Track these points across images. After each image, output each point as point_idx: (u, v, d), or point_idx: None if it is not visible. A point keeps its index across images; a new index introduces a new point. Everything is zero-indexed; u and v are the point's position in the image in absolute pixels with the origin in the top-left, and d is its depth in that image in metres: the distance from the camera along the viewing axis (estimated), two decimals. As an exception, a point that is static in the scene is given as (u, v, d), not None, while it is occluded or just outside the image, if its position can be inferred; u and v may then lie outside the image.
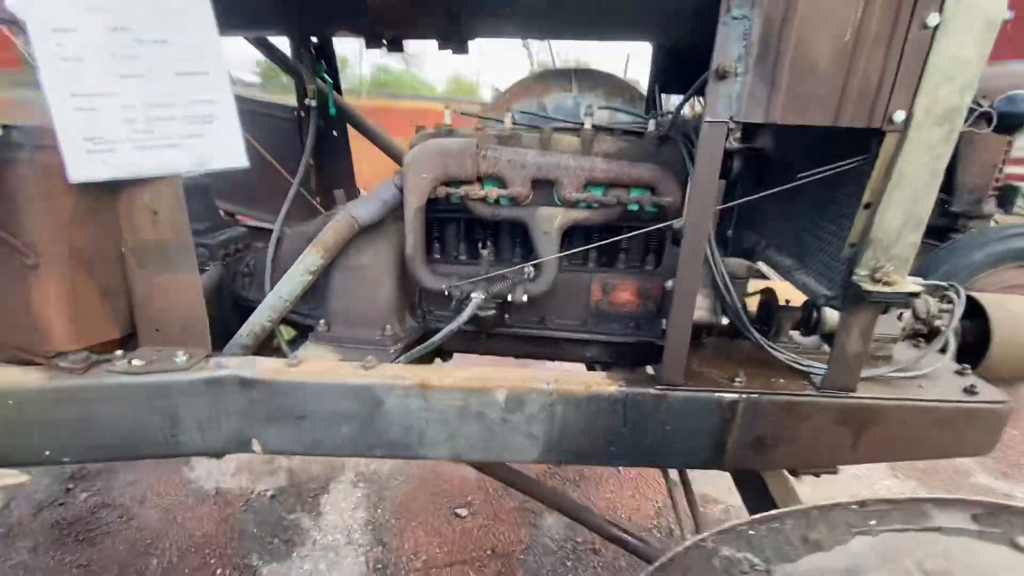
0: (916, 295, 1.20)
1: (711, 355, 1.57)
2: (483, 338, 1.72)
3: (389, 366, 1.45)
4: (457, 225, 1.72)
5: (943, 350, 1.52)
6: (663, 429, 1.41)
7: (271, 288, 1.73)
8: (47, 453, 1.39)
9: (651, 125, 1.53)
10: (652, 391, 1.36)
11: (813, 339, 1.65)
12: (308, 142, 1.92)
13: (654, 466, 1.67)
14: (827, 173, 1.23)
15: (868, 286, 1.19)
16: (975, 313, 1.70)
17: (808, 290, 1.48)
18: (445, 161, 1.47)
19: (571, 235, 1.62)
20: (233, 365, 1.41)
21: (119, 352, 1.39)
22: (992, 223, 4.32)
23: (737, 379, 1.38)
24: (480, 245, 1.56)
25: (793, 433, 1.40)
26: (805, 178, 1.26)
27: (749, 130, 1.87)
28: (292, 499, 2.51)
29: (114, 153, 1.26)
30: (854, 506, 0.93)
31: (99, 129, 1.24)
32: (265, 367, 1.41)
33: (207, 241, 1.88)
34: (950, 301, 1.53)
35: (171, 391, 1.37)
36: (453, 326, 1.44)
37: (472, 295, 1.47)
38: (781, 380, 1.42)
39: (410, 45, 1.82)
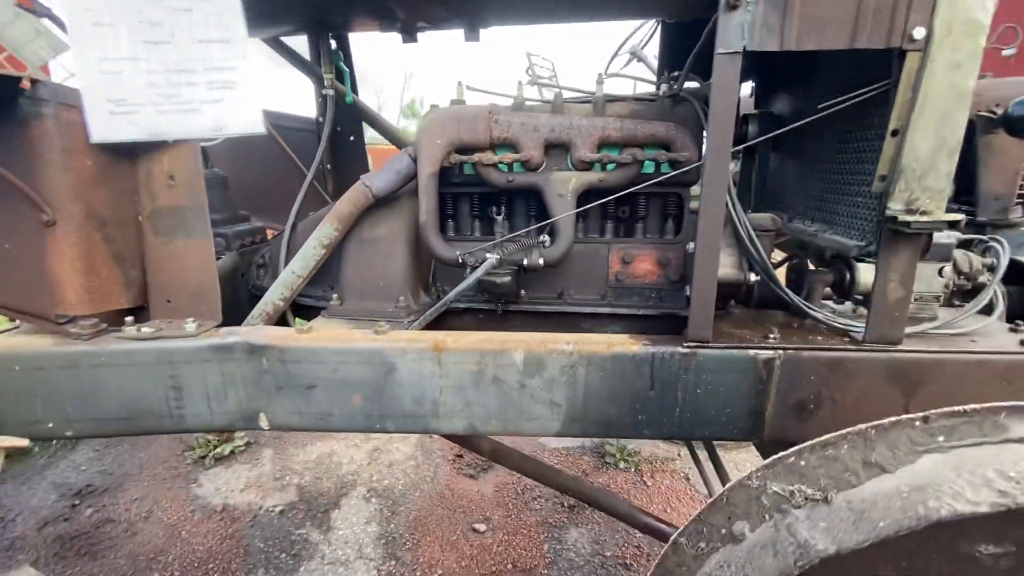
0: (956, 224, 1.12)
1: (741, 320, 1.49)
2: (498, 315, 1.66)
3: (402, 331, 1.40)
4: (471, 200, 1.70)
5: (989, 311, 1.42)
6: (694, 393, 1.31)
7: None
8: (50, 425, 1.34)
9: (663, 88, 1.53)
10: (680, 349, 1.28)
11: (848, 306, 1.56)
12: (325, 131, 1.96)
13: (686, 438, 1.54)
14: (852, 101, 1.20)
15: (904, 217, 1.12)
16: (1018, 278, 1.60)
17: (838, 246, 1.41)
18: (458, 127, 1.47)
19: (588, 203, 1.59)
20: (242, 332, 1.37)
21: (129, 319, 1.36)
22: (1022, 230, 4.20)
23: (771, 336, 1.29)
24: (495, 212, 1.53)
25: (838, 395, 1.29)
26: (830, 107, 1.22)
27: (764, 93, 1.87)
28: (301, 514, 2.38)
29: (136, 115, 1.29)
30: (917, 422, 0.83)
31: (122, 92, 1.27)
32: (275, 334, 1.37)
33: (224, 231, 1.90)
34: (994, 256, 1.44)
35: (178, 357, 1.33)
36: (463, 284, 1.40)
37: (486, 256, 1.42)
38: (819, 338, 1.33)
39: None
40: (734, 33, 1.11)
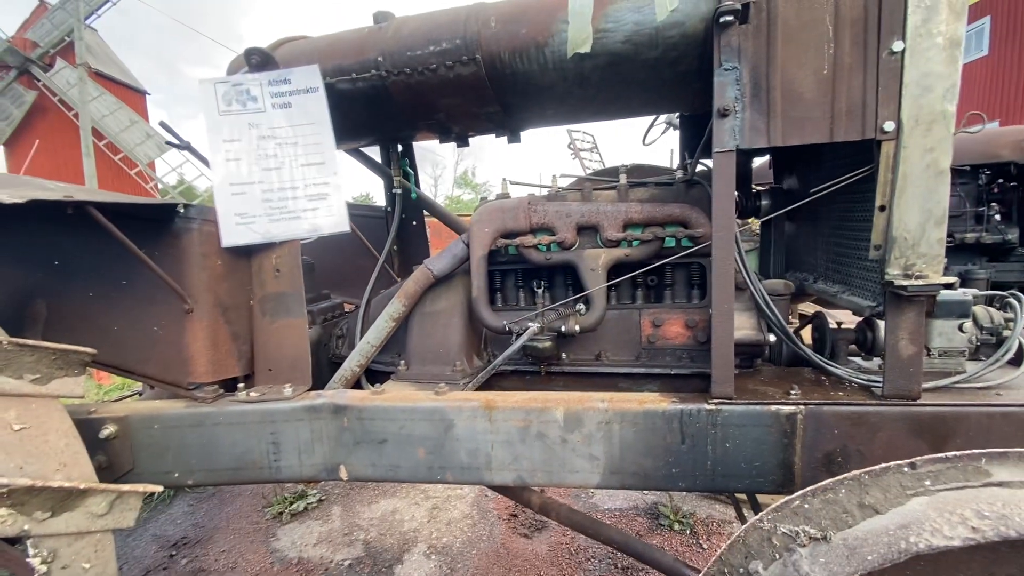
0: (950, 286, 1.23)
1: (765, 378, 1.60)
2: (542, 376, 1.85)
3: (459, 392, 1.62)
4: (515, 276, 1.96)
5: (1018, 362, 1.46)
6: (723, 447, 1.42)
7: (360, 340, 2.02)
8: (176, 475, 1.64)
9: (678, 175, 1.75)
10: (706, 405, 1.41)
11: (875, 363, 1.63)
12: (394, 222, 2.32)
13: (721, 490, 1.61)
14: (839, 185, 1.37)
15: (901, 281, 1.25)
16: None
17: (855, 307, 1.52)
18: (503, 216, 1.76)
19: (617, 275, 1.80)
20: (328, 394, 1.64)
21: (240, 386, 1.68)
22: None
23: (792, 392, 1.40)
24: (536, 285, 1.77)
25: (865, 448, 1.36)
26: (820, 191, 1.40)
27: (777, 171, 2.05)
28: (368, 568, 2.55)
29: (254, 224, 1.66)
30: (906, 468, 0.94)
31: (245, 207, 1.66)
32: (354, 395, 1.63)
33: (311, 308, 2.25)
34: (1012, 309, 1.50)
35: (277, 417, 1.61)
36: (510, 350, 1.62)
37: (528, 325, 1.65)
38: (841, 394, 1.42)
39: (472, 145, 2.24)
40: (727, 134, 1.33)
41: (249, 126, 1.66)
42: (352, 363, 1.86)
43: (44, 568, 1.27)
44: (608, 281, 1.71)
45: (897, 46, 1.20)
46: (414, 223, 2.72)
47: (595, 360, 1.83)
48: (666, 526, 2.77)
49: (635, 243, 1.72)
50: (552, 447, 1.50)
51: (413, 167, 2.38)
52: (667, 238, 1.68)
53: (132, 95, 21.34)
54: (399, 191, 2.29)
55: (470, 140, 2.19)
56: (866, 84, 1.24)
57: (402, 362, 1.86)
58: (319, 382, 1.84)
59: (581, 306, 1.72)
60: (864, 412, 1.34)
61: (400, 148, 2.31)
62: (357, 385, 1.92)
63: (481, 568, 2.54)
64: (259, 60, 1.67)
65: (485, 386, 1.80)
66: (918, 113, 1.22)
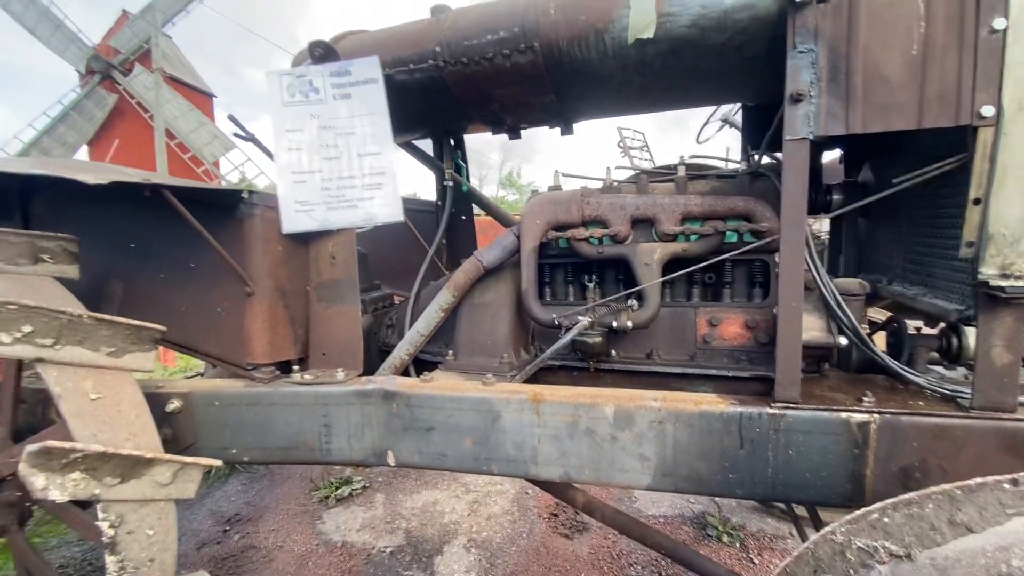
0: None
1: (834, 384, 1.50)
2: (590, 372, 1.81)
3: (507, 384, 1.60)
4: (564, 269, 1.92)
5: None
6: (785, 454, 1.34)
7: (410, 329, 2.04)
8: (233, 451, 1.71)
9: (741, 167, 1.67)
10: (768, 409, 1.34)
11: (960, 372, 1.50)
12: (444, 215, 2.34)
13: (781, 500, 1.51)
14: (926, 176, 1.26)
15: (998, 282, 1.14)
16: None
17: (937, 310, 1.40)
18: (555, 209, 1.73)
19: (673, 271, 1.73)
20: (379, 380, 1.67)
21: (296, 368, 1.72)
22: None
23: (865, 399, 1.30)
24: (586, 279, 1.73)
25: (948, 463, 1.25)
26: (904, 183, 1.29)
27: (850, 164, 1.92)
28: (409, 557, 2.57)
29: (313, 212, 1.71)
30: (1006, 485, 0.84)
31: (305, 195, 1.70)
32: (404, 382, 1.65)
33: (362, 297, 2.29)
34: None
35: (330, 400, 1.64)
36: (559, 343, 1.58)
37: (579, 319, 1.61)
38: (921, 404, 1.31)
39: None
40: (800, 122, 1.25)
41: (311, 116, 1.70)
42: (401, 351, 1.88)
43: (112, 532, 1.34)
44: (663, 277, 1.65)
45: (999, 23, 1.09)
46: (463, 217, 2.73)
47: (646, 358, 1.77)
48: (714, 537, 2.66)
49: (693, 237, 1.65)
50: (601, 444, 1.45)
51: (463, 159, 2.39)
52: (728, 233, 1.60)
53: (201, 98, 22.69)
54: (450, 184, 2.30)
55: (522, 132, 2.17)
56: (961, 66, 1.13)
57: (450, 352, 1.86)
58: (369, 370, 1.87)
59: (633, 302, 1.67)
60: (949, 425, 1.23)
61: (452, 142, 2.32)
62: (405, 373, 1.94)
63: (520, 565, 2.51)
64: (322, 52, 1.71)
65: (532, 380, 1.78)
66: (1022, 97, 1.10)
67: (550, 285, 1.94)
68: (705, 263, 1.59)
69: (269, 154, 1.99)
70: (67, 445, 1.22)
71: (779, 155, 2.01)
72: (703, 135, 5.20)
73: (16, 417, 1.70)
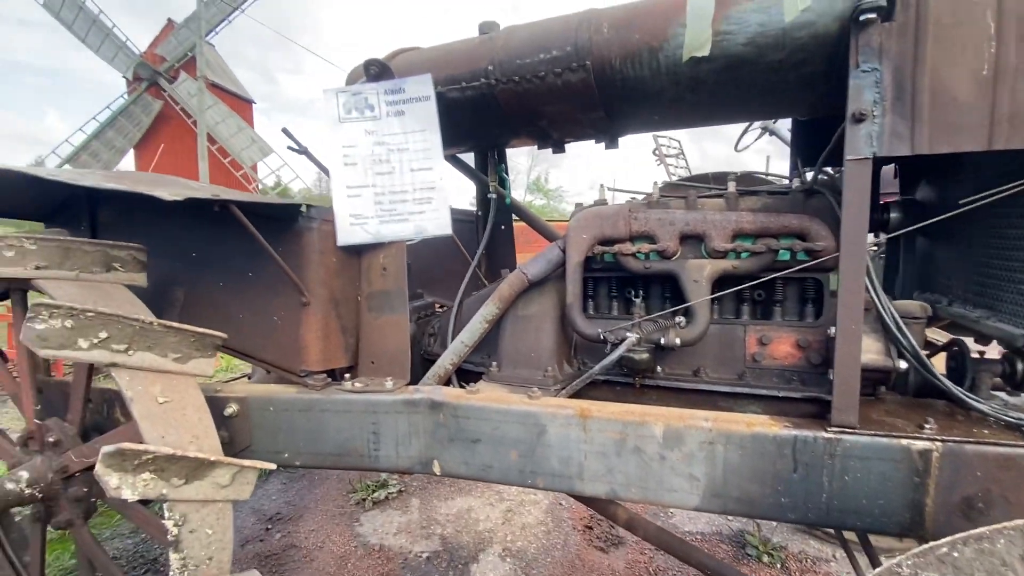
0: None
1: (895, 408, 1.46)
2: (635, 388, 1.80)
3: (552, 398, 1.61)
4: (609, 284, 1.93)
5: None
6: (841, 480, 1.32)
7: (453, 340, 2.07)
8: (286, 455, 1.76)
9: (795, 183, 1.65)
10: (823, 433, 1.32)
11: (1022, 399, 1.44)
12: (487, 226, 2.37)
13: (836, 526, 1.47)
14: (998, 196, 1.22)
15: (1077, 310, 1.09)
16: None
17: (1003, 335, 1.35)
18: (602, 223, 1.74)
19: (722, 288, 1.71)
20: (426, 390, 1.70)
21: (347, 376, 1.78)
22: None
23: (927, 426, 1.27)
24: (632, 294, 1.73)
25: (1014, 495, 1.20)
26: (973, 203, 1.25)
27: (906, 181, 1.87)
28: (444, 563, 2.60)
29: (366, 225, 1.76)
30: (1094, 525, 0.81)
31: (359, 209, 1.76)
32: (450, 392, 1.68)
33: (405, 306, 2.34)
34: None
35: (379, 408, 1.68)
36: (607, 360, 1.58)
37: (626, 335, 1.61)
38: (985, 432, 1.26)
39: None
40: (863, 141, 1.23)
41: (366, 132, 1.76)
42: (446, 361, 1.91)
43: (176, 530, 1.40)
44: (713, 294, 1.63)
45: (1080, 43, 1.05)
46: (502, 227, 2.76)
47: (693, 376, 1.75)
48: (753, 557, 2.61)
49: (744, 255, 1.63)
50: (649, 463, 1.45)
51: (506, 173, 2.42)
52: (781, 251, 1.58)
53: (240, 104, 23.49)
54: (494, 196, 2.33)
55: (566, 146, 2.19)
56: (1038, 86, 1.10)
57: (494, 364, 1.89)
58: (412, 378, 1.91)
59: (681, 318, 1.66)
60: (1015, 455, 1.18)
61: (496, 155, 2.36)
62: (448, 383, 1.97)
63: (555, 576, 2.52)
64: (377, 71, 1.77)
65: (575, 395, 1.79)
66: (1108, 119, 1.06)
67: (594, 299, 1.95)
68: (758, 281, 1.57)
69: (321, 166, 2.06)
70: (140, 447, 1.29)
71: (830, 170, 1.97)
72: (742, 143, 5.10)
73: (85, 417, 1.80)
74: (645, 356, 1.63)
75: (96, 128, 20.29)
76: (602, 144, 2.07)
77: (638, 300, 1.70)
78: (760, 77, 1.48)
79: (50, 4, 18.36)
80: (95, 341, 1.39)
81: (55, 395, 2.04)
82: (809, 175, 1.77)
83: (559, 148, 2.14)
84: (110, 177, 1.59)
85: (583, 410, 1.51)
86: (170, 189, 1.49)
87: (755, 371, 1.70)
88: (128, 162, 21.83)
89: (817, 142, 2.02)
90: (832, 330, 1.48)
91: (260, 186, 21.82)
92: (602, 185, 1.90)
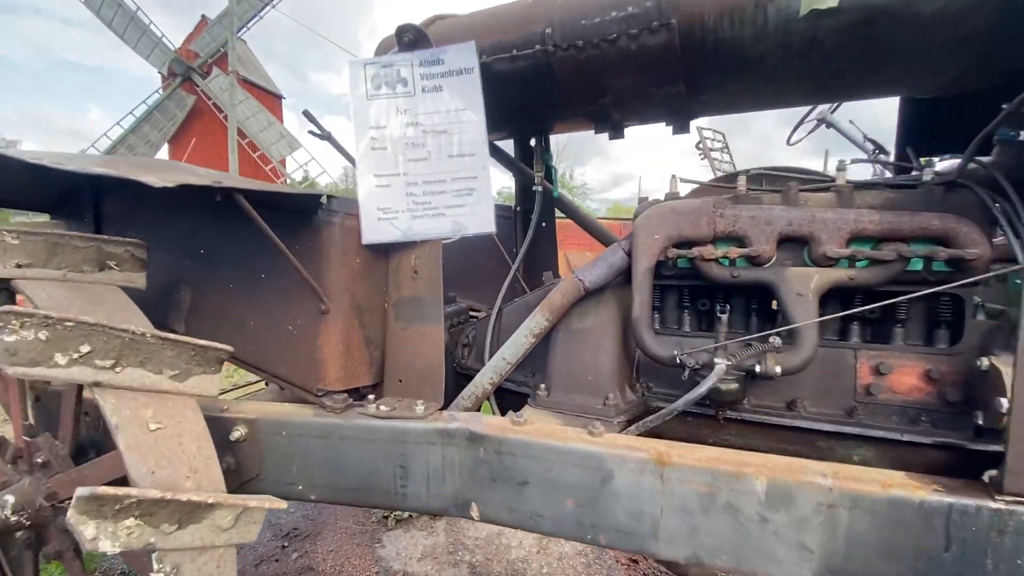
0: None
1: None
2: (712, 420, 1.50)
3: (619, 436, 1.32)
4: (679, 294, 1.62)
5: None
6: (1013, 564, 0.99)
7: (491, 354, 1.80)
8: (300, 488, 1.52)
9: (926, 175, 1.31)
10: (990, 503, 0.99)
11: None
12: (532, 224, 2.09)
13: None
14: None
15: None
16: None
17: None
18: (679, 221, 1.43)
19: (832, 302, 1.39)
20: (463, 418, 1.43)
21: (370, 396, 1.52)
22: None
23: None
24: (719, 310, 1.41)
25: None
26: None
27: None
28: (474, 597, 2.35)
29: (396, 220, 1.49)
30: None
31: (388, 201, 1.49)
32: (493, 423, 1.40)
33: (436, 312, 2.08)
34: None
35: (408, 437, 1.42)
36: (694, 394, 1.27)
37: (715, 362, 1.30)
38: None
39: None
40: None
41: (397, 111, 1.49)
42: (484, 379, 1.64)
43: (169, 582, 1.17)
44: (819, 309, 1.31)
45: None
46: (543, 223, 2.47)
47: (787, 409, 1.44)
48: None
49: (861, 263, 1.31)
50: (746, 526, 1.15)
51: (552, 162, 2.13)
52: (913, 259, 1.25)
53: (270, 99, 23.77)
54: (539, 189, 2.04)
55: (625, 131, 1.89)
56: None
57: (542, 386, 1.60)
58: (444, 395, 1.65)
59: (775, 339, 1.34)
60: None
61: (542, 141, 2.07)
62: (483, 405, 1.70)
63: (597, 619, 2.22)
64: (412, 38, 1.49)
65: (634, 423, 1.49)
66: None
67: (660, 310, 1.64)
68: (900, 298, 1.24)
69: (345, 154, 1.81)
70: (120, 491, 1.05)
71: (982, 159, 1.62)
72: (795, 136, 4.66)
73: (78, 432, 1.59)
74: (734, 386, 1.32)
75: (133, 123, 20.77)
76: (669, 129, 1.77)
77: (724, 316, 1.38)
78: (901, 36, 1.15)
79: (90, 1, 18.81)
80: (75, 356, 1.16)
81: (58, 404, 1.85)
82: (942, 165, 1.44)
83: (617, 133, 1.83)
84: (100, 162, 1.36)
85: (660, 454, 1.21)
86: (163, 175, 1.26)
87: (868, 407, 1.37)
88: (162, 156, 22.31)
89: (934, 121, 1.67)
90: (983, 362, 1.15)
91: (288, 180, 22.02)
92: (674, 176, 1.59)
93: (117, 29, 19.47)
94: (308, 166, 22.52)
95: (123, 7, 19.20)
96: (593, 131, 1.79)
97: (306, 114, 2.00)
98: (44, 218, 2.09)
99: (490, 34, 1.52)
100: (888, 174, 2.07)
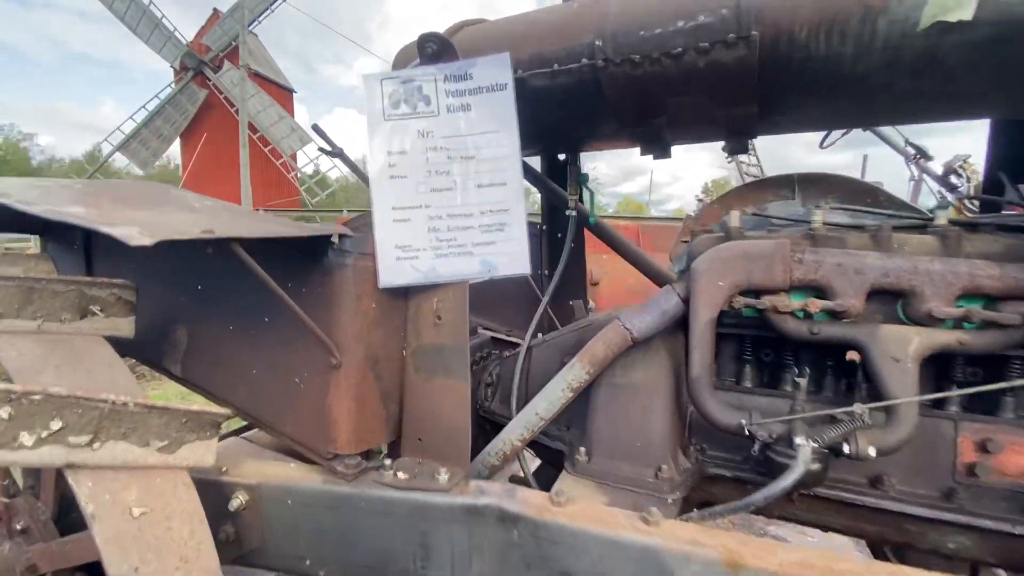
0: None
1: None
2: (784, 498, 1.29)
3: (680, 524, 1.12)
4: (740, 343, 1.42)
5: None
6: None
7: (518, 401, 1.61)
8: (308, 563, 1.34)
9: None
10: None
11: None
12: (564, 250, 1.89)
13: None
14: None
15: None
16: None
17: None
18: (749, 266, 1.22)
19: (930, 368, 1.18)
20: (495, 493, 1.23)
21: (387, 461, 1.33)
22: None
23: None
24: (796, 374, 1.21)
25: None
26: None
27: None
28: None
29: (417, 260, 1.30)
30: None
31: (408, 238, 1.30)
32: (530, 500, 1.20)
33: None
34: None
35: (430, 513, 1.23)
36: (776, 488, 1.06)
37: (796, 442, 1.09)
38: None
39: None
40: None
41: (419, 134, 1.29)
42: (514, 435, 1.45)
43: None
44: (918, 377, 1.10)
45: None
46: (572, 245, 2.27)
47: (871, 487, 1.23)
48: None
49: (970, 324, 1.10)
50: (842, 651, 0.95)
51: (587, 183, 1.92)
52: (1044, 324, 1.04)
53: (281, 93, 23.67)
54: (574, 213, 1.84)
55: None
56: None
57: (582, 449, 1.41)
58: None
59: (864, 411, 1.13)
60: None
61: (576, 159, 1.86)
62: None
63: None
64: (436, 49, 1.29)
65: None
66: None
67: (715, 359, 1.43)
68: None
69: (358, 171, 1.62)
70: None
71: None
72: (828, 140, 4.40)
73: (60, 489, 1.42)
74: (818, 467, 1.11)
75: (145, 117, 20.78)
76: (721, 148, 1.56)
77: (802, 381, 1.17)
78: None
79: (103, -5, 18.77)
80: (44, 435, 0.99)
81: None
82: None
83: (664, 153, 1.62)
84: (78, 197, 1.17)
85: (731, 554, 1.02)
86: (152, 213, 1.07)
87: (971, 490, 1.16)
88: (174, 149, 22.34)
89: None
90: None
91: (298, 175, 21.95)
92: (733, 213, 1.38)
93: (130, 23, 19.43)
94: (319, 160, 22.45)
95: (136, 1, 19.13)
96: (639, 152, 1.58)
97: (315, 128, 1.81)
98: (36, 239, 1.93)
99: (527, 44, 1.31)
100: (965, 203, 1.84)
